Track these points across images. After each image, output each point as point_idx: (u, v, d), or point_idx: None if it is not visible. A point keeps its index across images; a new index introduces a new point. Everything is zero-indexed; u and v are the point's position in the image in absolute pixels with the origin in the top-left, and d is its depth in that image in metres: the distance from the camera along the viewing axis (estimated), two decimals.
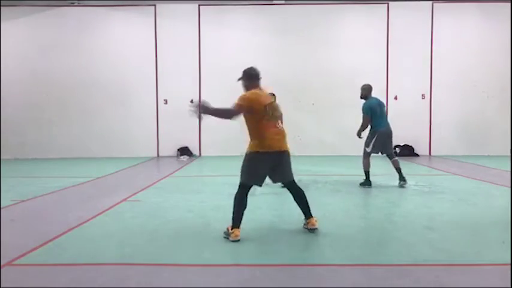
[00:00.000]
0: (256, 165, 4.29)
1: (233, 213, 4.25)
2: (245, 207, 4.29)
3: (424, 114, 13.07)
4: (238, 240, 4.13)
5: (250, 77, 4.41)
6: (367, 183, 7.28)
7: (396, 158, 7.44)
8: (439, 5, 12.94)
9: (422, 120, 13.06)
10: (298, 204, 4.53)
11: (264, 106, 4.24)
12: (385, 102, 7.65)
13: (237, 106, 4.21)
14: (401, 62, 12.95)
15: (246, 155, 4.36)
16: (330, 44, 13.06)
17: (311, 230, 4.44)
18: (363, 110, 7.28)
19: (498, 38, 12.86)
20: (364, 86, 7.52)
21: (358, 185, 7.36)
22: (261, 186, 4.45)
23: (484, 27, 12.95)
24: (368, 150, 7.32)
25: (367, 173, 7.33)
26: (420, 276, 3.26)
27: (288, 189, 4.59)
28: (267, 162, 4.29)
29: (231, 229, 4.20)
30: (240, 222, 4.22)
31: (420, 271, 3.37)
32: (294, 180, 4.51)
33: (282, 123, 4.57)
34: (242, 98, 4.26)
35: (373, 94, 7.44)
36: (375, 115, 7.22)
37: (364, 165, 7.37)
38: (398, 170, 7.33)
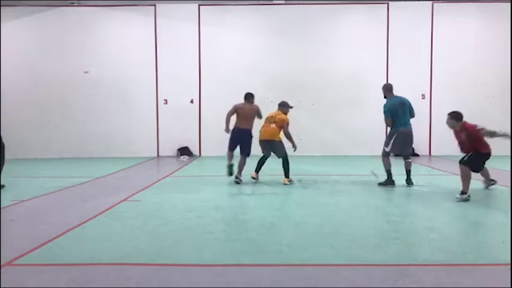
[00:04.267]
0: None
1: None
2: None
3: (424, 114, 13.03)
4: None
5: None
6: (389, 182, 7.14)
7: (410, 160, 7.35)
8: (439, 5, 12.93)
9: (422, 120, 13.01)
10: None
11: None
12: (410, 100, 7.44)
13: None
14: (401, 62, 12.92)
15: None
16: (330, 44, 13.05)
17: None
18: (383, 111, 7.26)
19: (498, 38, 12.84)
20: (383, 85, 7.55)
21: (377, 185, 7.23)
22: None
23: (484, 27, 12.93)
24: (387, 149, 7.23)
25: (388, 172, 7.20)
26: (420, 276, 3.26)
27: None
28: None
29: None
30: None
31: (420, 271, 3.37)
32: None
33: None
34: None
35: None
36: (395, 115, 7.13)
37: (384, 165, 7.25)
38: (408, 172, 7.26)
